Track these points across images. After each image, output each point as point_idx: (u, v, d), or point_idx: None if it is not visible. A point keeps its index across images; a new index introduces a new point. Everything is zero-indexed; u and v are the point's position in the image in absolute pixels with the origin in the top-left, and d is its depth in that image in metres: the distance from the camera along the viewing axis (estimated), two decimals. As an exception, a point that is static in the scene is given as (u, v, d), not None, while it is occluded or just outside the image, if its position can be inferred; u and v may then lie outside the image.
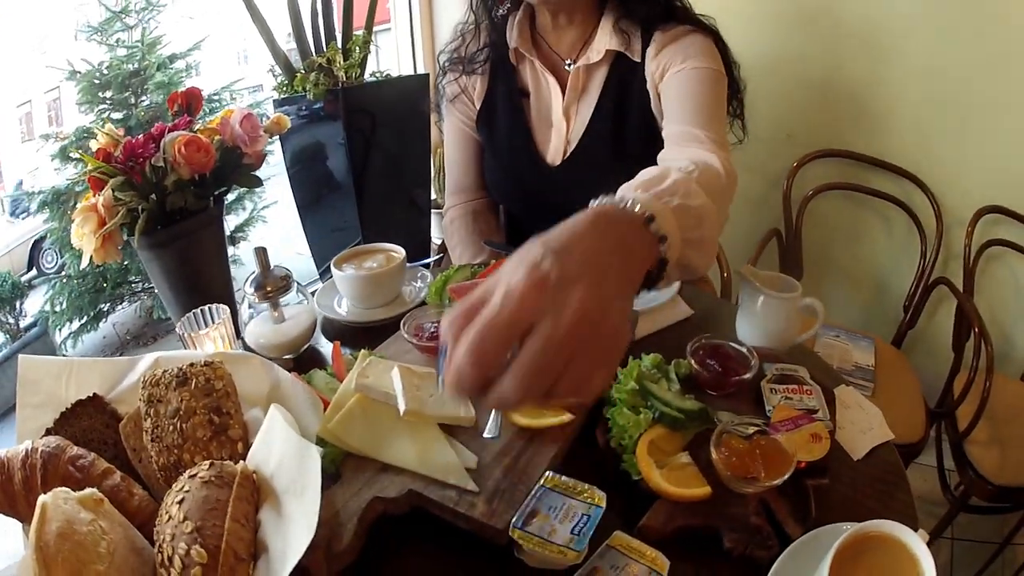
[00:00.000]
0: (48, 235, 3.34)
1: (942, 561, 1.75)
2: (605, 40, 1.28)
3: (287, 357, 1.07)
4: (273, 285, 1.04)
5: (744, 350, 0.91)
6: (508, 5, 1.39)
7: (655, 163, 1.32)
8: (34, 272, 3.83)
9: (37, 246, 3.82)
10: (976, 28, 1.68)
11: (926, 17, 1.72)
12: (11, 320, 3.46)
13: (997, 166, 1.76)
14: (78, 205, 1.14)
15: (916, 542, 0.58)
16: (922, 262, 1.86)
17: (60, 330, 3.40)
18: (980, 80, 1.72)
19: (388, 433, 0.78)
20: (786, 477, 0.70)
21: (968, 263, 1.74)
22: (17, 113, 3.80)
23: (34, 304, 3.52)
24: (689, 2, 1.32)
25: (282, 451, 0.69)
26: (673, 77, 1.23)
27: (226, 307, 1.03)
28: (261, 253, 1.03)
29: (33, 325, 3.46)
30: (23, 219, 3.44)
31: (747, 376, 0.87)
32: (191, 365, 0.78)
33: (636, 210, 0.63)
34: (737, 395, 0.89)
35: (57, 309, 3.34)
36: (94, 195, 1.12)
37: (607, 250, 0.55)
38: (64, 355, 3.48)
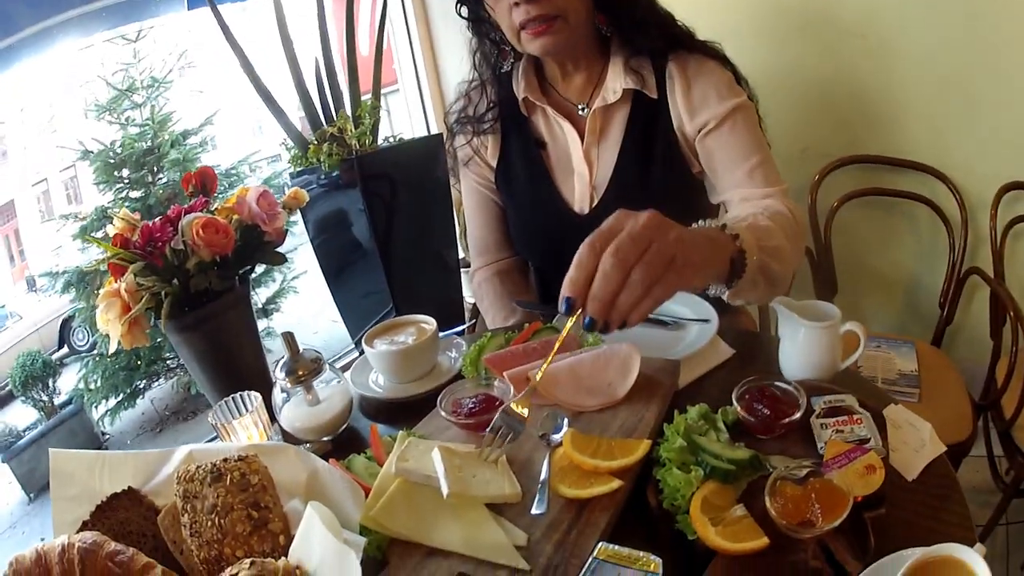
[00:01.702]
0: (77, 314, 3.36)
1: (998, 547, 1.73)
2: (620, 80, 1.26)
3: (325, 439, 1.04)
4: (304, 369, 1.01)
5: (791, 388, 0.88)
6: (512, 60, 1.37)
7: (685, 201, 1.31)
8: (65, 350, 3.88)
9: (67, 324, 3.87)
10: (969, 8, 1.65)
11: (918, 5, 1.70)
12: (45, 398, 3.49)
13: (1011, 142, 1.73)
14: (102, 289, 1.11)
15: (975, 560, 0.59)
16: (951, 255, 1.82)
17: (96, 407, 3.42)
18: (980, 59, 1.69)
19: (433, 516, 0.76)
20: (843, 518, 0.67)
21: (996, 245, 1.71)
22: (34, 192, 3.86)
23: (68, 381, 3.56)
24: (690, 28, 1.30)
25: (321, 556, 0.67)
26: (712, 138, 1.23)
27: (258, 394, 1.01)
28: (289, 338, 1.00)
29: (68, 402, 3.49)
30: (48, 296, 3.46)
31: (796, 416, 0.84)
32: (225, 460, 0.77)
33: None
34: (787, 436, 0.86)
35: (92, 387, 3.35)
36: (115, 281, 1.10)
37: (703, 236, 0.87)
38: (102, 431, 3.52)
